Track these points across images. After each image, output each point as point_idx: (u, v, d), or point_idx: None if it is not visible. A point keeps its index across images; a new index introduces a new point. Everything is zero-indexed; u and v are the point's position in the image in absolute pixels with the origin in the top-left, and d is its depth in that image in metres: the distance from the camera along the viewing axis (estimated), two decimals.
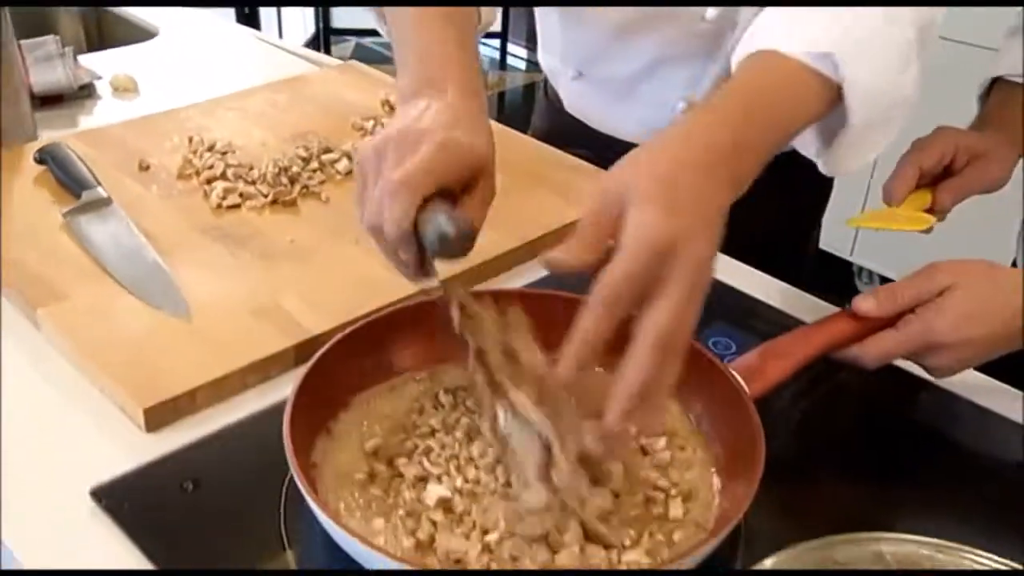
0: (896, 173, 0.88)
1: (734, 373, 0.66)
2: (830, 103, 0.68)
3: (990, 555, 0.46)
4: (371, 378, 0.71)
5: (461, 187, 0.67)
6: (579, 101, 1.16)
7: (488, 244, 0.88)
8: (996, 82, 0.96)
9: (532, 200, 0.96)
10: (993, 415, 0.75)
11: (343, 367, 0.68)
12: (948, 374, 0.71)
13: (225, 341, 0.75)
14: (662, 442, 0.66)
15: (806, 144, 0.78)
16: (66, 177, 0.93)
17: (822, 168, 0.78)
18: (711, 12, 0.98)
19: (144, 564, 0.59)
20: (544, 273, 0.86)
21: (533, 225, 0.92)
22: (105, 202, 0.90)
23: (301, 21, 3.99)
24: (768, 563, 0.46)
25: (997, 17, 1.01)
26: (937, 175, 0.90)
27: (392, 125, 0.67)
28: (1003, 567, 0.45)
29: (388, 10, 0.81)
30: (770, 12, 0.71)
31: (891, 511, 0.61)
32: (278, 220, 0.92)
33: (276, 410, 0.69)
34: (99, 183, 0.92)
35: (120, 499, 0.62)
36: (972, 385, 0.77)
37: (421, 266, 0.67)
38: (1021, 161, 0.94)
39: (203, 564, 0.59)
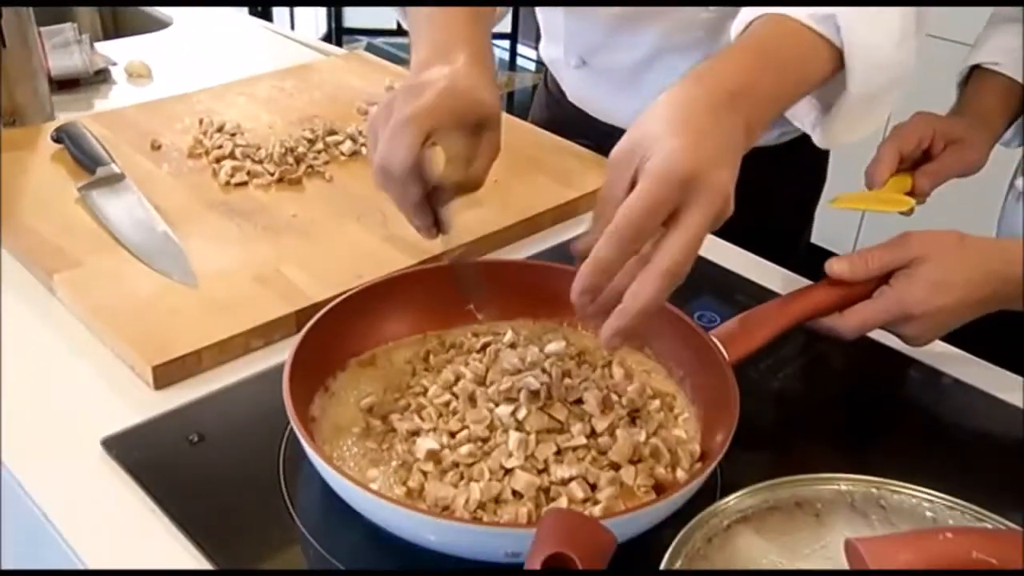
0: (876, 158, 0.91)
1: (714, 339, 0.69)
2: (833, 67, 0.71)
3: (934, 493, 0.49)
4: (368, 341, 0.74)
5: (466, 133, 0.71)
6: (581, 90, 1.19)
7: (488, 221, 0.92)
8: (974, 70, 0.99)
9: (532, 183, 1.00)
10: (963, 384, 0.78)
11: (341, 329, 0.71)
12: (923, 343, 0.74)
13: (230, 306, 0.78)
14: (656, 403, 0.69)
15: (802, 114, 0.81)
16: (81, 154, 0.96)
17: (817, 140, 0.81)
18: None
19: (152, 509, 0.62)
20: (543, 248, 0.91)
21: (532, 204, 0.96)
22: (118, 177, 0.94)
23: (313, 20, 4.04)
24: (733, 497, 0.49)
25: (982, 15, 1.03)
26: (916, 159, 0.93)
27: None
28: (948, 505, 0.48)
29: None
30: None
31: (859, 466, 0.64)
32: (282, 197, 0.95)
33: (277, 371, 0.72)
34: (113, 160, 0.95)
35: (129, 449, 0.66)
36: (940, 355, 0.80)
37: (428, 212, 0.72)
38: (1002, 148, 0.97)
39: (206, 510, 0.63)
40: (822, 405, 0.77)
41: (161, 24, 1.42)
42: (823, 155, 1.19)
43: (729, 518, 0.49)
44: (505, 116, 1.11)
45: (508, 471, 0.61)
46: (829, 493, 0.49)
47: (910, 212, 0.90)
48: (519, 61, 3.93)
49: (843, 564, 0.44)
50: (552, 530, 0.46)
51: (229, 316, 0.77)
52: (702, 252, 0.60)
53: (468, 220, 0.92)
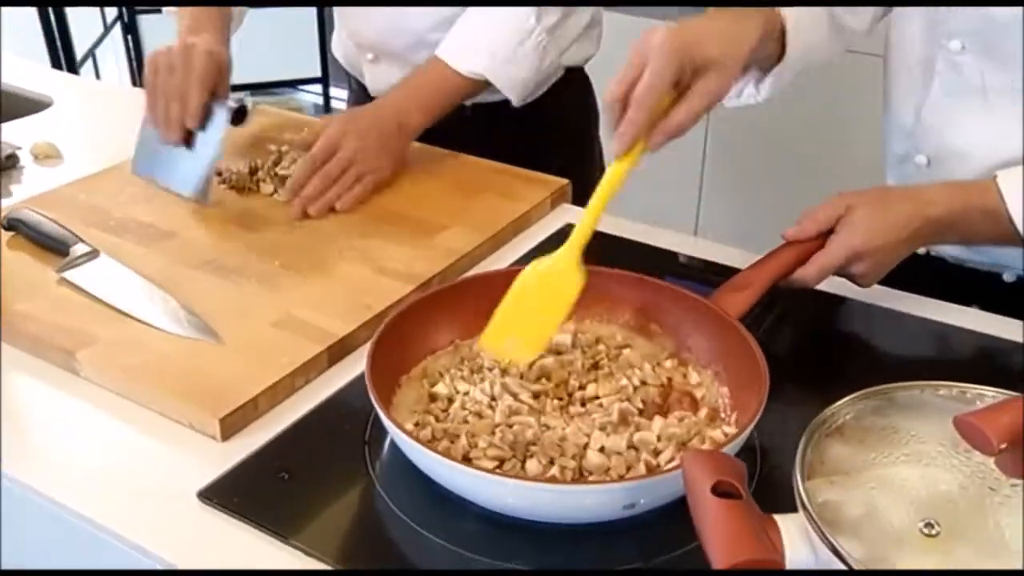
0: (628, 119, 0.75)
1: (717, 306, 0.80)
2: None
3: (952, 383, 0.61)
4: (414, 357, 0.81)
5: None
6: (381, 81, 1.31)
7: (460, 242, 1.00)
8: None
9: (484, 203, 1.08)
10: (904, 315, 0.92)
11: (411, 334, 0.79)
12: (872, 280, 0.87)
13: (262, 353, 0.82)
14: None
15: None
16: (45, 237, 0.96)
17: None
18: None
19: (262, 539, 0.66)
20: (513, 258, 0.99)
21: (492, 222, 1.04)
22: (94, 254, 0.94)
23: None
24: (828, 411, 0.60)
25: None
26: None
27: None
28: (978, 392, 0.60)
29: None
30: None
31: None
32: (263, 248, 0.99)
33: (330, 404, 0.79)
34: (80, 239, 0.96)
35: (229, 495, 0.69)
36: (881, 294, 0.95)
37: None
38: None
39: (321, 531, 0.67)
40: (805, 347, 0.90)
41: (41, 105, 1.40)
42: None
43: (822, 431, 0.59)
44: (436, 149, 1.20)
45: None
46: (903, 398, 0.60)
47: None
48: (333, 103, 3.97)
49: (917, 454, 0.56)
50: (704, 465, 0.55)
51: (267, 362, 0.81)
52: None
53: (442, 244, 0.99)
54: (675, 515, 0.63)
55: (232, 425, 0.76)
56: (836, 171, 1.55)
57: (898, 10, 1.01)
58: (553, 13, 1.17)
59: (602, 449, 0.69)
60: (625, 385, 0.76)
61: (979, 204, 0.85)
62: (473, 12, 1.18)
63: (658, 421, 0.72)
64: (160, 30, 3.54)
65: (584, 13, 1.24)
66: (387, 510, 0.69)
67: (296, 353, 0.82)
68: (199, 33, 1.12)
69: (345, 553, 0.66)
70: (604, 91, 0.77)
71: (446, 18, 1.20)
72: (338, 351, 0.84)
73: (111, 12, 3.44)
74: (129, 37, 3.50)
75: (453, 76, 1.15)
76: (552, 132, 1.29)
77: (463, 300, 0.83)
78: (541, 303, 0.76)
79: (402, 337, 0.78)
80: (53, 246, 0.96)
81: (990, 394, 0.60)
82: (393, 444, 0.72)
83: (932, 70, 0.97)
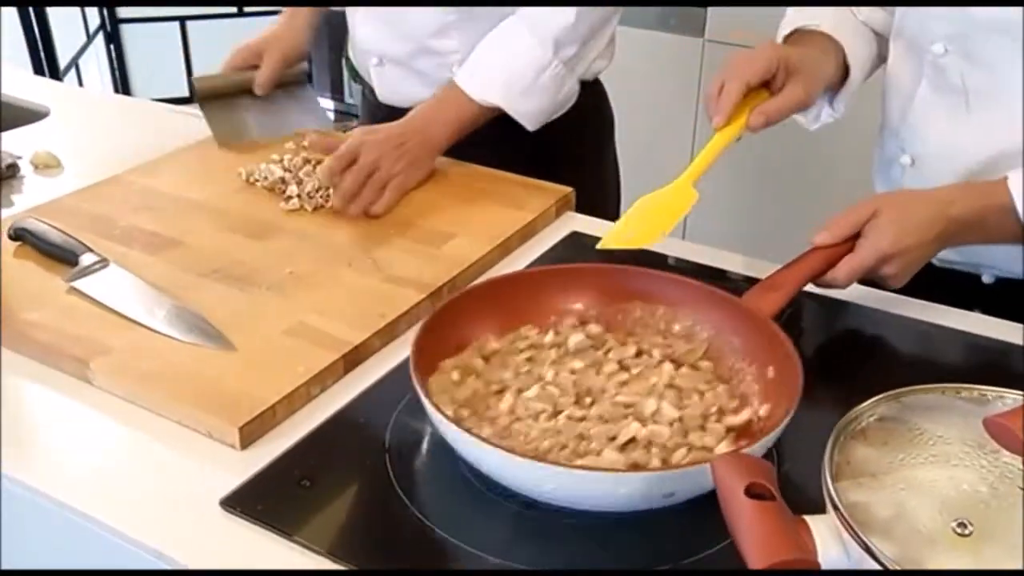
0: (725, 90, 0.92)
1: (752, 305, 0.81)
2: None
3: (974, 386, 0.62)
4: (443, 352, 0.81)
5: None
6: (387, 86, 1.34)
7: (468, 251, 1.00)
8: (791, 35, 1.07)
9: (490, 212, 1.09)
10: (907, 319, 0.94)
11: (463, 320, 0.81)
12: (901, 282, 0.89)
13: (279, 362, 0.82)
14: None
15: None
16: (52, 247, 0.96)
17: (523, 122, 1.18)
18: None
19: (286, 546, 0.66)
20: (521, 265, 1.00)
21: (500, 231, 1.04)
22: (103, 263, 0.94)
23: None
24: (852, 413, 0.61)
25: None
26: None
27: None
28: (997, 393, 0.62)
29: None
30: None
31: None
32: (270, 257, 0.99)
33: (348, 411, 0.79)
34: (89, 248, 0.96)
35: (253, 503, 0.69)
36: (887, 298, 0.96)
37: None
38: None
39: (334, 541, 0.67)
40: (811, 351, 0.91)
41: (38, 115, 1.39)
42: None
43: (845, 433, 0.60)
44: (443, 159, 1.21)
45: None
46: (926, 400, 0.61)
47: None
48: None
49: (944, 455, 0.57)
50: (735, 467, 0.56)
51: (282, 371, 0.81)
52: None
53: (450, 253, 1.00)
54: (703, 515, 0.64)
55: (251, 433, 0.76)
56: (824, 174, 1.57)
57: (895, 11, 1.03)
58: (571, 45, 1.17)
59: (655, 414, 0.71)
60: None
61: (997, 203, 0.87)
62: (492, 40, 1.18)
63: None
64: (143, 39, 3.54)
65: (602, 37, 1.24)
66: (410, 516, 0.69)
67: (312, 361, 0.82)
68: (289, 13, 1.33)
69: (370, 558, 0.66)
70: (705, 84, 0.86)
71: (446, 25, 1.21)
72: (353, 359, 0.84)
73: (93, 20, 3.42)
74: (112, 46, 3.50)
75: (469, 102, 1.17)
76: (567, 140, 1.29)
77: (498, 298, 0.84)
78: (657, 213, 0.90)
79: (443, 329, 0.79)
80: (61, 256, 0.95)
81: (1011, 396, 0.61)
82: (415, 449, 0.72)
83: (919, 72, 0.99)
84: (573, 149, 1.32)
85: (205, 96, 1.29)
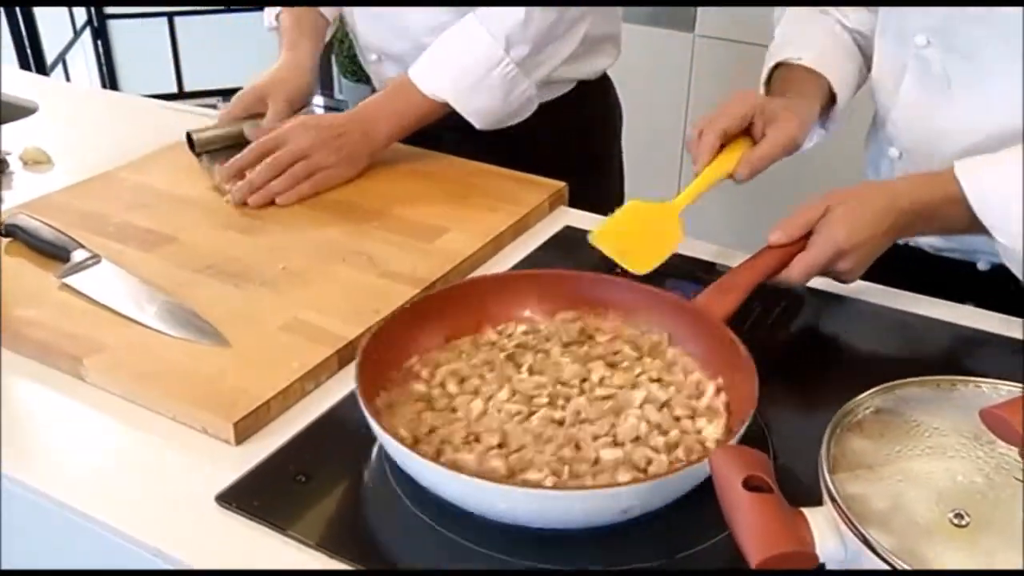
0: (701, 139, 0.97)
1: (698, 308, 0.81)
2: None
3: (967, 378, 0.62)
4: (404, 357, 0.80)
5: None
6: (384, 81, 1.31)
7: (461, 246, 1.00)
8: (775, 68, 1.10)
9: (482, 208, 1.08)
10: (894, 310, 0.94)
11: (402, 338, 0.79)
12: (855, 276, 0.89)
13: (273, 358, 0.82)
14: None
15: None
16: (44, 243, 0.95)
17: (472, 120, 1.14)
18: None
19: (283, 541, 0.66)
20: (514, 261, 1.01)
21: (491, 226, 1.04)
22: (95, 259, 0.94)
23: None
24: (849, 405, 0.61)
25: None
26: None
27: None
28: (991, 384, 0.62)
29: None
30: None
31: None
32: (261, 252, 0.98)
33: (341, 407, 0.79)
34: (81, 244, 0.95)
35: (249, 499, 0.69)
36: (880, 292, 0.96)
37: None
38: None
39: (331, 537, 0.67)
40: (798, 345, 0.91)
41: (26, 110, 1.38)
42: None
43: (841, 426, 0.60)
44: (431, 153, 1.20)
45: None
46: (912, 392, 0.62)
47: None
48: (307, 110, 3.96)
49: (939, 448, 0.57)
50: (733, 460, 0.56)
51: (277, 366, 0.81)
52: None
53: (443, 248, 1.00)
54: (695, 510, 0.64)
55: (246, 429, 0.75)
56: (814, 168, 1.56)
57: (878, 10, 1.04)
58: (523, 45, 1.14)
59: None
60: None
61: (943, 193, 0.88)
62: (448, 35, 1.16)
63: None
64: (130, 35, 3.51)
65: (567, 42, 1.19)
66: (406, 510, 0.69)
67: (306, 357, 0.82)
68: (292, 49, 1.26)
69: (366, 553, 0.66)
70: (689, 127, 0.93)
71: (443, 23, 1.19)
72: (347, 354, 0.84)
73: (80, 16, 3.41)
74: (99, 42, 3.48)
75: (418, 95, 1.15)
76: (572, 135, 1.29)
77: (447, 308, 0.83)
78: (644, 233, 0.95)
79: (394, 341, 0.78)
80: (53, 252, 0.95)
81: (1006, 388, 0.61)
82: None
83: (903, 65, 1.00)
84: (583, 146, 1.31)
85: (204, 150, 1.19)
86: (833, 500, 0.54)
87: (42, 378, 0.82)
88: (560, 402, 0.74)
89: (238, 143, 1.17)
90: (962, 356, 0.91)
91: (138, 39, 3.52)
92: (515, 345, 0.81)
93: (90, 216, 1.04)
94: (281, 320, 0.87)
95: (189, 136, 1.18)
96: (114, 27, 3.49)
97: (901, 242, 1.06)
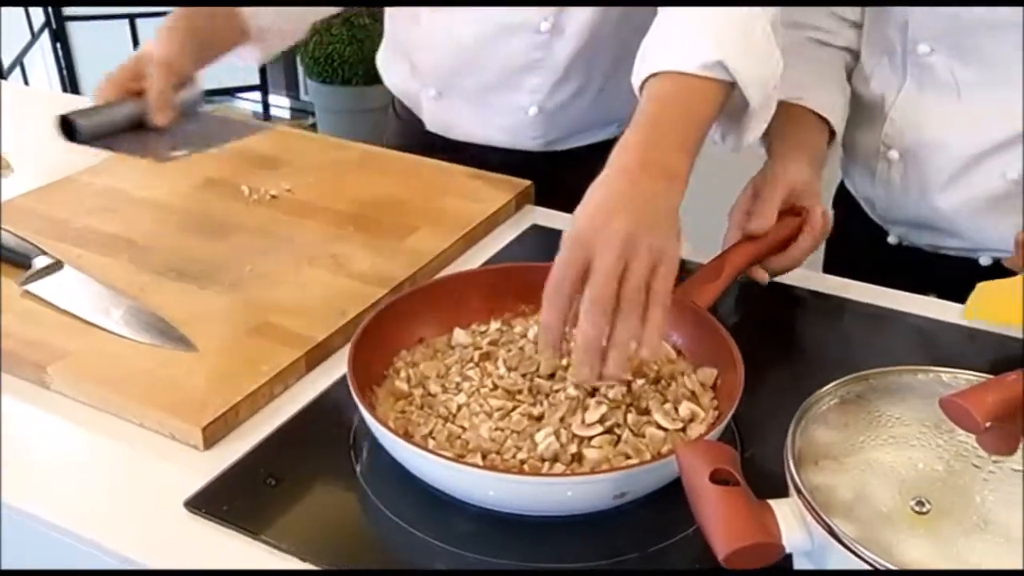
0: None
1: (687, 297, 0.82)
2: (726, 96, 0.83)
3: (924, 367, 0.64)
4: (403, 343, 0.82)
5: None
6: (441, 117, 1.28)
7: (432, 243, 1.00)
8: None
9: (451, 205, 1.09)
10: (840, 299, 0.96)
11: (392, 330, 0.81)
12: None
13: (241, 361, 0.82)
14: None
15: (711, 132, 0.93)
16: (5, 251, 0.94)
17: (730, 147, 0.92)
18: (545, 25, 1.14)
19: (252, 545, 0.66)
20: (485, 257, 1.01)
21: (462, 222, 1.05)
22: (58, 265, 0.93)
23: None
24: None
25: None
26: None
27: None
28: (948, 373, 0.63)
29: None
30: (654, 36, 0.85)
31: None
32: (229, 255, 0.98)
33: (309, 410, 0.79)
34: (42, 251, 0.94)
35: (218, 504, 0.69)
36: (845, 285, 0.98)
37: None
38: None
39: (299, 540, 0.67)
40: (772, 338, 0.92)
41: None
42: None
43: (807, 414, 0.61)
44: (395, 154, 1.20)
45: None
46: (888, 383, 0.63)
47: None
48: (273, 111, 3.94)
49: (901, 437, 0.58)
50: (700, 454, 0.57)
51: (245, 370, 0.80)
52: None
53: (412, 247, 1.00)
54: (666, 504, 0.65)
55: (214, 434, 0.75)
56: None
57: (868, 13, 1.04)
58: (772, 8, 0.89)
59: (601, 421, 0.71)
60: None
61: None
62: (670, 12, 0.87)
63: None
64: (90, 37, 3.48)
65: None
66: (376, 511, 0.69)
67: (274, 360, 0.82)
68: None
69: (337, 555, 0.66)
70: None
71: (535, 61, 1.17)
72: (316, 356, 0.84)
73: (38, 18, 3.36)
74: (58, 45, 3.43)
75: (686, 87, 0.81)
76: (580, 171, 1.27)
77: (435, 300, 0.84)
78: None
79: (380, 337, 0.79)
80: (14, 259, 0.94)
81: (965, 377, 0.62)
82: (380, 445, 0.72)
83: (903, 70, 1.02)
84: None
85: (90, 137, 0.99)
86: (799, 492, 0.55)
87: (6, 387, 0.81)
88: (540, 397, 0.75)
89: (129, 125, 1.01)
90: (926, 346, 0.92)
91: (99, 41, 3.48)
92: (489, 342, 0.81)
93: (52, 221, 1.03)
94: (248, 323, 0.87)
95: (66, 121, 0.97)
96: (74, 29, 3.45)
97: (894, 240, 1.11)
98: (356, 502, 0.70)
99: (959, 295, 0.95)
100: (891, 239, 1.11)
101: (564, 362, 0.77)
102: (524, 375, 0.76)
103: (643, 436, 0.70)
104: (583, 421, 0.71)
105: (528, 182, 1.14)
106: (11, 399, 0.80)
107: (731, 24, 0.83)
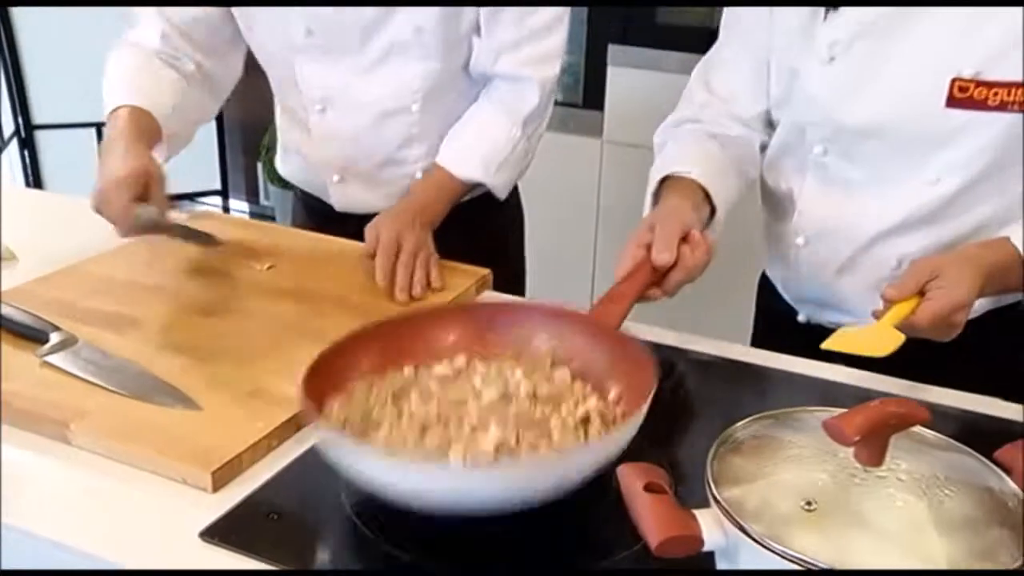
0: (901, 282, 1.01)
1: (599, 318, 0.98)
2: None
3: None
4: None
5: None
6: (347, 198, 1.49)
7: None
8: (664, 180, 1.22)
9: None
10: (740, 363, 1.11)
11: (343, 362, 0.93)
12: (959, 330, 1.01)
13: (241, 419, 0.93)
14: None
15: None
16: (23, 327, 1.06)
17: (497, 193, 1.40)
18: (416, 106, 1.38)
19: (258, 568, 0.78)
20: None
21: (428, 305, 1.19)
22: (73, 340, 1.04)
23: None
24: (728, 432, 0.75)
25: None
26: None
27: None
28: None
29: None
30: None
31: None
32: (225, 332, 1.10)
33: (305, 458, 0.90)
34: (56, 327, 1.06)
35: (229, 533, 0.80)
36: (732, 349, 1.13)
37: None
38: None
39: (298, 562, 0.78)
40: (686, 400, 1.06)
41: None
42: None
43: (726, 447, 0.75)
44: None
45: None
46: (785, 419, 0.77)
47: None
48: (233, 214, 4.09)
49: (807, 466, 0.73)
50: (637, 472, 0.70)
51: (245, 427, 0.92)
52: None
53: None
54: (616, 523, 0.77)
55: (222, 478, 0.87)
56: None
57: (782, 120, 1.23)
58: (536, 121, 1.41)
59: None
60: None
61: (1005, 255, 1.04)
62: (466, 122, 1.40)
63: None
64: (58, 145, 3.62)
65: (545, 120, 1.46)
66: (365, 537, 0.81)
67: (269, 419, 0.94)
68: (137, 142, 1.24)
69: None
70: None
71: (413, 136, 1.40)
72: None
73: (7, 126, 3.50)
74: (26, 152, 3.57)
75: (453, 180, 1.38)
76: (490, 230, 1.48)
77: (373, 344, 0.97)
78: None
79: (330, 368, 0.91)
80: (31, 335, 1.05)
81: None
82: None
83: (803, 166, 1.19)
84: (494, 239, 1.49)
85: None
86: (716, 501, 0.69)
87: (26, 444, 0.92)
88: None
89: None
90: (823, 399, 1.06)
91: (65, 149, 3.62)
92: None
93: (59, 303, 1.15)
94: (244, 388, 0.99)
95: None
96: (42, 137, 3.59)
97: (804, 320, 1.27)
98: (345, 530, 0.82)
99: (860, 363, 1.11)
100: (800, 317, 1.27)
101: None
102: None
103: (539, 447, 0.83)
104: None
105: (487, 270, 1.30)
106: (31, 454, 0.91)
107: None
